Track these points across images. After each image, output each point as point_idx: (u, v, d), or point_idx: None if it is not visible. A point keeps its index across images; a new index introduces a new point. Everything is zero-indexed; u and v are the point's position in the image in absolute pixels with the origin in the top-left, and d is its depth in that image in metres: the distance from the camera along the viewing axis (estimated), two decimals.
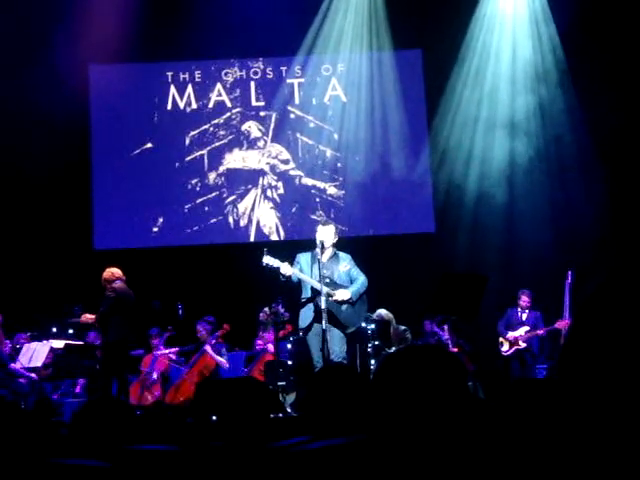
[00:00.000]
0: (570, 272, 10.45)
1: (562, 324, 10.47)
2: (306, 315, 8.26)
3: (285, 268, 8.10)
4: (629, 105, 12.11)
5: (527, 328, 11.00)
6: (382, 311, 10.71)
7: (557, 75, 12.58)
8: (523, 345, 10.96)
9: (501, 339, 11.14)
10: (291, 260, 8.37)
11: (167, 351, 10.85)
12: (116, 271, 9.26)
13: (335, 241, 8.44)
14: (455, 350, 10.02)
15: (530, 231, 12.27)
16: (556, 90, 12.59)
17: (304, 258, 8.36)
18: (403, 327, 10.74)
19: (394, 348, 10.34)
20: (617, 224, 12.01)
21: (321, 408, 3.35)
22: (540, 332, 10.90)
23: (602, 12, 11.91)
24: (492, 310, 10.95)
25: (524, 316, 11.14)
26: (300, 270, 8.23)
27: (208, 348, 10.48)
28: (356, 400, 3.15)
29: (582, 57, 12.20)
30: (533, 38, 12.67)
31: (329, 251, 8.41)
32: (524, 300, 11.12)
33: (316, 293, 8.09)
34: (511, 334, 11.04)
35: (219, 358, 10.49)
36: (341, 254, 8.54)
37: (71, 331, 9.42)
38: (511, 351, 11.04)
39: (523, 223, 12.42)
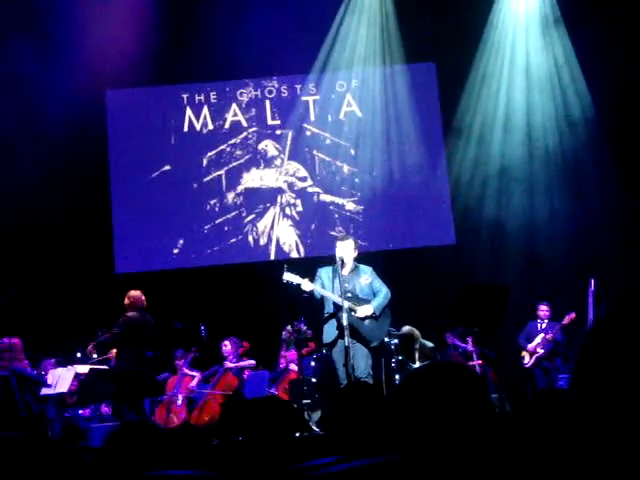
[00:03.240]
0: (592, 280, 10.38)
1: (569, 318, 10.59)
2: (330, 330, 8.22)
3: (306, 284, 8.08)
4: None
5: (542, 335, 11.00)
6: (408, 327, 10.70)
7: (573, 85, 12.54)
8: (541, 352, 10.94)
9: (523, 353, 11.11)
10: (312, 277, 8.36)
11: (191, 377, 10.84)
12: (134, 296, 9.22)
13: (355, 255, 8.41)
14: (480, 362, 9.96)
15: (551, 240, 12.22)
16: (573, 99, 12.56)
17: (325, 272, 8.33)
18: (430, 344, 10.72)
19: (418, 363, 10.30)
20: (637, 231, 11.93)
21: (345, 426, 3.34)
22: (550, 336, 10.89)
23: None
24: (514, 321, 10.89)
25: (543, 325, 11.12)
26: (322, 285, 8.21)
27: (228, 364, 10.54)
28: (380, 419, 3.14)
29: (598, 63, 12.15)
30: (547, 49, 12.65)
31: (350, 265, 8.38)
32: (542, 310, 11.12)
33: (338, 308, 8.06)
34: (530, 345, 11.04)
35: (244, 363, 10.56)
36: (362, 267, 8.50)
37: (95, 356, 9.45)
38: (532, 362, 11.01)
39: (543, 233, 12.37)
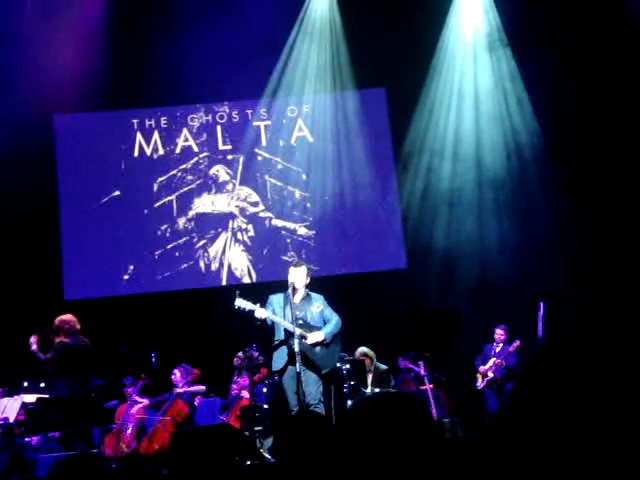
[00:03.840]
0: (542, 303, 10.48)
1: (514, 346, 10.73)
2: (279, 357, 8.21)
3: (259, 311, 8.06)
4: (594, 136, 12.27)
5: (494, 359, 11.10)
6: (363, 349, 10.72)
7: (520, 110, 12.75)
8: (491, 375, 11.04)
9: (477, 374, 11.21)
10: (264, 303, 8.34)
11: (141, 404, 10.70)
12: (65, 321, 9.15)
13: (307, 282, 8.41)
14: (431, 386, 9.97)
15: (501, 264, 12.34)
16: (521, 123, 12.76)
17: (276, 299, 8.33)
18: (384, 367, 10.74)
19: (370, 389, 10.30)
20: (585, 253, 12.09)
21: (291, 456, 3.32)
22: (499, 361, 10.98)
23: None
24: (468, 344, 10.96)
25: (497, 349, 11.22)
26: (273, 312, 8.19)
27: (185, 387, 10.43)
28: (327, 448, 3.12)
29: (545, 85, 12.35)
30: (494, 74, 12.84)
31: (301, 292, 8.39)
32: (498, 334, 11.23)
33: (289, 335, 8.05)
34: (482, 367, 11.14)
35: (194, 388, 10.46)
36: (313, 295, 8.52)
37: (43, 385, 9.30)
38: (483, 384, 11.12)
39: (493, 256, 12.49)
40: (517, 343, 10.94)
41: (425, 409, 2.19)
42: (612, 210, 12.10)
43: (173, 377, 10.63)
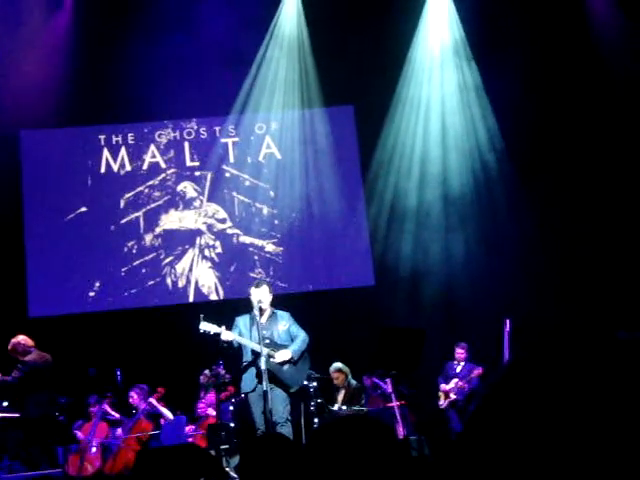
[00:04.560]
0: (508, 321, 10.55)
1: (477, 373, 10.74)
2: (248, 379, 8.20)
3: (225, 334, 8.04)
4: (558, 152, 12.40)
5: (456, 380, 11.12)
6: (338, 364, 10.73)
7: (484, 124, 12.86)
8: (453, 397, 11.06)
9: (439, 392, 11.24)
10: (231, 323, 8.33)
11: (114, 417, 10.59)
12: (24, 341, 9.12)
13: (271, 299, 8.42)
14: (398, 403, 9.98)
15: (468, 281, 12.41)
16: (486, 140, 12.87)
17: (242, 321, 8.32)
18: (357, 384, 10.76)
19: (338, 406, 10.29)
20: (552, 270, 12.19)
21: (256, 477, 3.31)
22: (461, 384, 11.01)
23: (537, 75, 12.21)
24: (434, 362, 11.00)
25: (458, 368, 11.24)
26: (239, 333, 8.18)
27: (152, 400, 10.33)
28: (292, 470, 3.11)
29: (509, 99, 12.46)
30: (461, 88, 12.95)
31: (267, 311, 8.39)
32: (459, 352, 11.26)
33: (257, 355, 8.03)
34: (444, 386, 11.16)
35: (163, 410, 10.36)
36: (279, 313, 8.52)
37: (6, 404, 9.17)
38: (445, 404, 11.14)
39: (460, 274, 12.56)
40: (480, 370, 10.96)
41: (390, 431, 2.19)
42: (578, 227, 12.20)
43: (131, 400, 10.52)
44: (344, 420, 2.44)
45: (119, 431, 10.37)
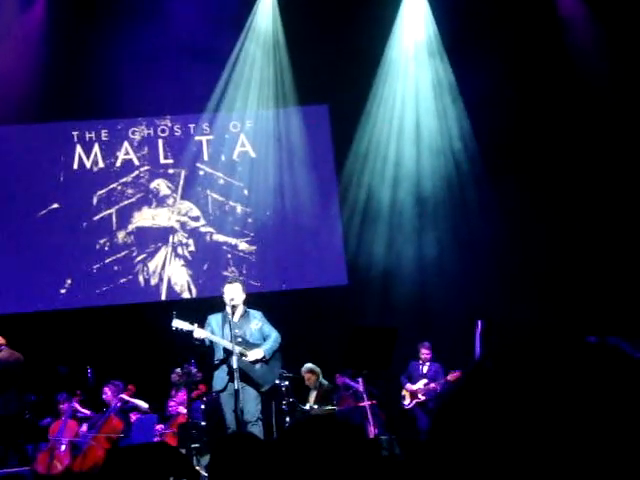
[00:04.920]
0: (480, 321, 10.59)
1: (453, 376, 10.62)
2: (220, 377, 8.18)
3: (197, 331, 8.02)
4: (532, 154, 12.47)
5: (426, 381, 11.09)
6: (310, 365, 10.73)
7: (459, 128, 12.92)
8: (422, 398, 11.02)
9: (403, 392, 11.18)
10: (203, 321, 8.31)
11: (84, 414, 10.51)
12: None
13: (244, 297, 8.41)
14: (370, 403, 9.98)
15: (440, 282, 12.46)
16: (459, 141, 12.93)
17: (215, 320, 8.30)
18: (328, 384, 10.76)
19: (310, 406, 10.29)
20: (524, 271, 12.26)
21: (225, 476, 3.30)
22: (433, 386, 10.98)
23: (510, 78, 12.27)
24: (406, 362, 11.04)
25: (425, 368, 11.21)
26: (212, 332, 8.16)
27: (124, 396, 10.27)
28: (261, 469, 3.11)
29: (482, 102, 12.52)
30: (435, 88, 13.00)
31: (240, 310, 8.37)
32: (424, 352, 11.23)
33: (229, 354, 8.02)
34: (410, 386, 11.11)
35: (137, 401, 10.31)
36: (252, 312, 8.52)
37: None
38: (412, 404, 11.08)
39: (433, 274, 12.60)
40: (457, 374, 10.84)
41: (360, 430, 2.19)
42: (551, 227, 12.27)
43: (104, 396, 10.45)
44: (314, 420, 2.44)
45: (84, 427, 10.29)
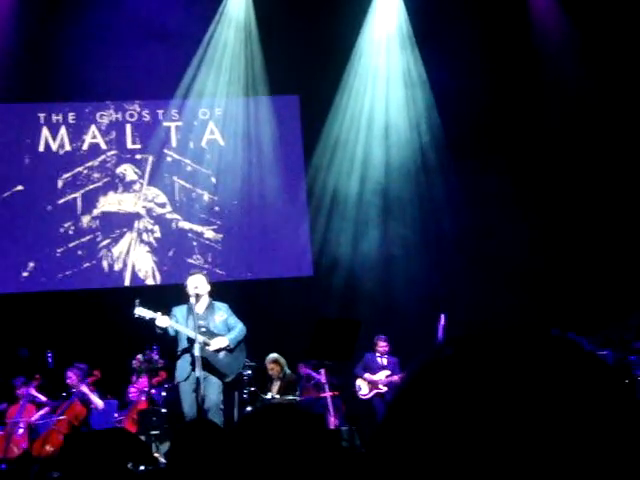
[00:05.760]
0: (443, 315, 10.66)
1: None
2: (183, 367, 8.16)
3: (160, 319, 7.98)
4: (498, 144, 12.54)
5: (388, 372, 11.12)
6: (274, 355, 10.73)
7: (428, 121, 12.97)
8: (384, 389, 11.05)
9: (359, 382, 11.17)
10: (167, 308, 8.28)
11: (41, 400, 10.39)
12: None
13: (209, 289, 8.40)
14: (331, 394, 10.02)
15: (404, 275, 12.50)
16: (428, 138, 12.98)
17: (179, 311, 8.28)
18: (293, 374, 10.76)
19: (272, 395, 10.29)
20: (490, 265, 12.32)
21: (183, 463, 3.29)
22: (396, 378, 11.02)
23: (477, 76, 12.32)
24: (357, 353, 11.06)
25: (384, 361, 11.23)
26: (176, 322, 8.14)
27: (83, 388, 10.16)
28: (220, 457, 3.10)
29: (452, 106, 12.58)
30: (406, 86, 13.04)
31: (205, 301, 8.36)
32: (382, 346, 11.24)
33: (192, 343, 7.99)
34: (369, 376, 11.11)
35: (94, 398, 10.21)
36: (217, 304, 8.51)
37: None
38: (371, 394, 11.09)
39: (397, 267, 12.65)
40: None
41: (320, 421, 2.19)
42: (516, 222, 12.30)
43: (68, 380, 10.34)
44: (274, 408, 2.43)
45: (43, 410, 10.20)
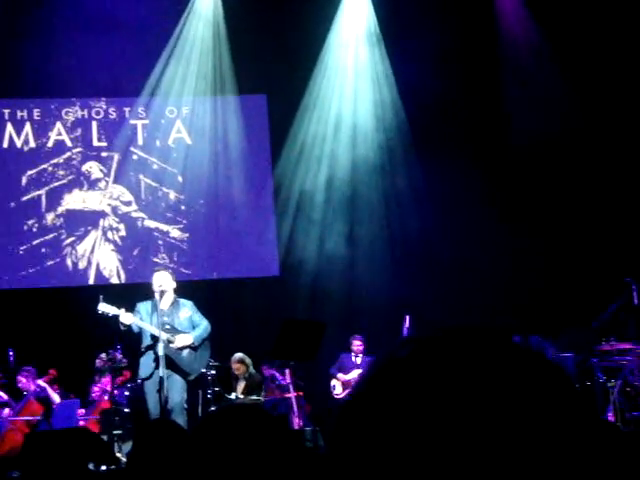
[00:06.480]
0: (408, 316, 10.70)
1: None
2: (146, 364, 8.13)
3: (124, 316, 7.95)
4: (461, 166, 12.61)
5: (360, 371, 11.14)
6: (240, 355, 10.71)
7: (395, 121, 13.01)
8: None
9: (333, 382, 11.22)
10: (132, 307, 8.25)
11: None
12: None
13: (175, 287, 8.37)
14: (295, 394, 10.02)
15: (370, 277, 12.53)
16: (396, 138, 13.03)
17: (144, 307, 8.25)
18: (257, 375, 10.75)
19: (236, 395, 10.27)
20: (455, 267, 12.38)
21: (144, 463, 3.27)
22: None
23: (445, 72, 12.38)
24: (332, 354, 11.08)
25: (358, 360, 11.28)
26: (140, 319, 8.10)
27: (41, 382, 10.07)
28: (181, 458, 3.09)
29: (420, 107, 12.63)
30: (374, 86, 13.07)
31: (169, 298, 8.33)
32: (356, 345, 11.30)
33: (156, 340, 7.96)
34: (342, 376, 11.16)
35: (52, 393, 10.11)
36: (182, 301, 8.49)
37: None
38: (344, 394, 11.13)
39: (364, 268, 12.67)
40: None
41: (282, 421, 2.19)
42: (482, 222, 12.35)
43: (20, 384, 10.23)
44: (236, 408, 2.43)
45: (6, 411, 10.08)
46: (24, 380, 10.18)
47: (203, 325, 8.42)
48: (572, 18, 12.11)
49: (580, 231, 12.32)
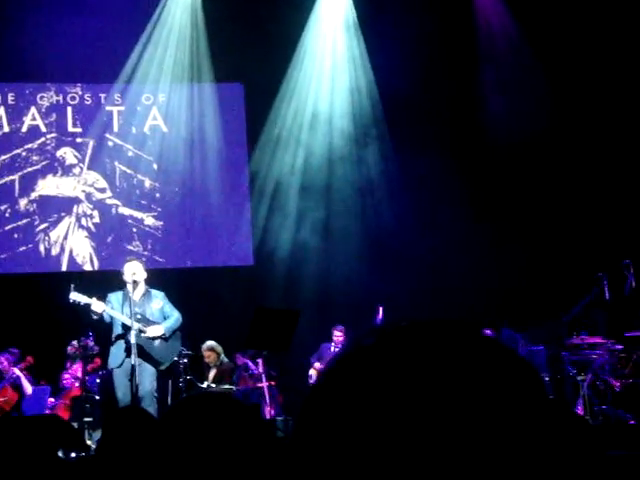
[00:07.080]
0: (381, 308, 10.72)
1: None
2: (117, 353, 8.12)
3: (96, 305, 7.93)
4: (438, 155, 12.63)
5: None
6: (211, 343, 10.69)
7: (372, 112, 13.02)
8: None
9: (311, 371, 11.26)
10: (104, 294, 8.22)
11: None
12: None
13: (146, 276, 8.36)
14: (268, 384, 10.02)
15: (345, 267, 12.53)
16: (371, 127, 13.04)
17: (115, 297, 8.24)
18: (229, 363, 10.74)
19: (207, 384, 10.26)
20: (428, 258, 12.41)
21: (114, 451, 3.26)
22: None
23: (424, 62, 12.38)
24: (306, 344, 11.08)
25: (337, 350, 11.33)
26: (111, 309, 8.09)
27: (16, 370, 10.00)
28: (151, 446, 3.08)
29: (397, 99, 12.63)
30: (351, 76, 13.07)
31: (141, 289, 8.32)
32: (337, 335, 11.34)
33: (127, 329, 7.95)
34: (318, 365, 11.18)
35: (25, 382, 10.05)
36: (154, 292, 8.49)
37: None
38: None
39: (338, 258, 12.68)
40: None
41: (254, 410, 2.19)
42: (457, 217, 12.39)
43: (0, 366, 10.18)
44: (206, 396, 2.42)
45: None
46: (5, 362, 10.10)
47: (174, 316, 8.44)
48: (550, 12, 12.16)
49: (552, 226, 12.39)
